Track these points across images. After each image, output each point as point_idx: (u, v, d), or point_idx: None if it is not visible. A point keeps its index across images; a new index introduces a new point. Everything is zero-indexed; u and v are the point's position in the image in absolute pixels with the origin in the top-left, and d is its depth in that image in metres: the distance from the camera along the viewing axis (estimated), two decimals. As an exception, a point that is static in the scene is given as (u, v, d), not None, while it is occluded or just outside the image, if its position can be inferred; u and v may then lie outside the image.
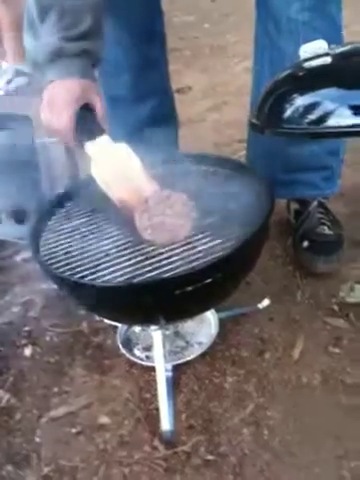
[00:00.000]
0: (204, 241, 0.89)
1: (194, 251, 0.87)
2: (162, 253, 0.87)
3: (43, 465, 0.90)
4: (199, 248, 0.87)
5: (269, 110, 0.73)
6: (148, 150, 1.14)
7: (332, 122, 0.65)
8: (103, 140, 0.95)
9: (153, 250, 0.89)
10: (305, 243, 1.22)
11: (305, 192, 1.31)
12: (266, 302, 1.11)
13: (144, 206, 0.91)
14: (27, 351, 1.11)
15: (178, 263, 0.85)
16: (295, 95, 0.69)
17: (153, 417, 0.94)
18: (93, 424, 0.95)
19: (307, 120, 0.67)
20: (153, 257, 0.87)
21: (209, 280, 0.84)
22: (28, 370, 1.07)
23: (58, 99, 0.93)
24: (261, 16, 1.19)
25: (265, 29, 1.18)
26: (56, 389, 1.03)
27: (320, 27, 1.11)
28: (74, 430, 0.95)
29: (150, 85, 1.40)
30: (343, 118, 0.65)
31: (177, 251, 0.87)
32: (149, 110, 1.40)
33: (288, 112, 0.69)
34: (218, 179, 1.02)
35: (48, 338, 1.14)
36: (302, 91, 0.69)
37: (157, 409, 0.93)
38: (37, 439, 0.94)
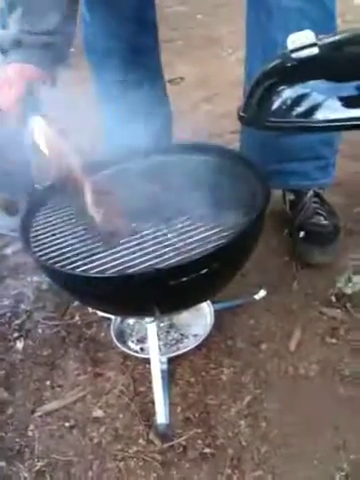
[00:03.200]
0: (199, 231, 0.87)
1: (189, 241, 0.85)
2: (157, 243, 0.86)
3: (36, 460, 0.88)
4: (194, 238, 0.86)
5: (257, 103, 0.72)
6: (142, 139, 1.12)
7: (321, 115, 0.64)
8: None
9: (147, 240, 0.87)
10: (301, 234, 1.21)
11: (299, 182, 1.30)
12: (262, 293, 1.10)
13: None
14: (19, 344, 1.10)
15: (173, 253, 0.83)
16: (282, 87, 0.68)
17: (148, 410, 0.93)
18: (87, 418, 0.94)
19: (295, 113, 0.65)
20: (147, 247, 0.85)
21: (205, 271, 0.82)
22: (20, 364, 1.06)
23: (10, 78, 0.98)
24: (252, 4, 1.17)
25: (257, 18, 1.16)
26: (49, 383, 1.01)
27: (313, 15, 1.09)
28: (68, 424, 0.93)
29: (142, 74, 1.37)
30: (332, 111, 0.63)
31: (172, 241, 0.86)
32: (142, 100, 1.38)
33: (276, 105, 0.67)
34: (213, 169, 1.01)
35: (40, 331, 1.12)
36: (289, 83, 0.68)
37: (152, 402, 0.92)
38: (30, 434, 0.93)
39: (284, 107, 0.66)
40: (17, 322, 1.15)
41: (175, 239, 0.86)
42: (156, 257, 0.83)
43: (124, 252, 0.85)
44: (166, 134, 1.47)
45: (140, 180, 1.01)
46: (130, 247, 0.86)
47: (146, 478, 0.84)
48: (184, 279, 0.81)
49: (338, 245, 1.19)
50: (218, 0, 3.07)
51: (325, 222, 1.22)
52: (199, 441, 0.88)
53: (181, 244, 0.85)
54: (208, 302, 1.07)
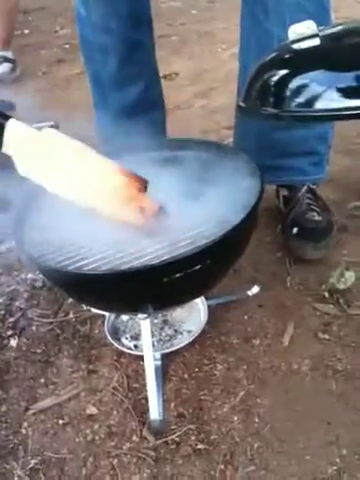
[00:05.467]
0: (191, 227, 0.87)
1: (182, 237, 0.85)
2: (149, 239, 0.85)
3: (30, 457, 0.88)
4: (187, 234, 0.86)
5: (257, 93, 0.71)
6: (136, 135, 1.12)
7: (321, 105, 0.64)
8: (14, 124, 0.79)
9: (140, 236, 0.87)
10: (294, 229, 1.21)
11: (293, 177, 1.30)
12: (256, 289, 1.10)
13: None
14: (13, 342, 1.09)
15: (166, 249, 0.83)
16: (283, 77, 0.68)
17: (142, 407, 0.93)
18: (81, 415, 0.94)
19: (296, 103, 0.66)
20: (140, 243, 0.85)
21: (198, 267, 0.82)
22: (14, 361, 1.05)
23: None
24: (248, -1, 1.17)
25: (252, 11, 1.16)
26: (43, 380, 1.01)
27: (308, 8, 1.09)
28: (61, 421, 0.93)
29: (137, 70, 1.37)
30: (332, 101, 0.63)
31: (164, 237, 0.85)
32: (136, 95, 1.38)
33: (276, 95, 0.67)
34: (206, 164, 1.01)
35: (34, 328, 1.12)
36: (290, 73, 0.68)
37: (146, 398, 0.92)
38: (24, 431, 0.93)
39: (285, 97, 0.66)
40: (11, 320, 1.14)
41: (167, 235, 0.86)
42: (149, 253, 0.83)
43: (117, 248, 0.85)
44: (160, 129, 1.46)
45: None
46: (123, 243, 0.86)
47: (139, 474, 0.84)
48: (177, 275, 0.81)
49: (331, 241, 1.19)
50: (213, -5, 3.07)
51: (318, 218, 1.22)
52: (192, 437, 0.88)
53: (173, 240, 0.85)
54: (202, 298, 1.06)
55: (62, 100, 2.03)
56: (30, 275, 1.24)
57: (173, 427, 0.90)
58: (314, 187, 1.30)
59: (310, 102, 0.64)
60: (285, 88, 0.67)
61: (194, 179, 0.93)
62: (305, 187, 1.28)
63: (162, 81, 1.50)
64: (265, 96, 0.69)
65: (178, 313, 1.08)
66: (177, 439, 0.88)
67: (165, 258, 0.81)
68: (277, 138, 1.22)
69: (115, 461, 0.86)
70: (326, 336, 1.02)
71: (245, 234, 0.91)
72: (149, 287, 0.83)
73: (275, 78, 0.69)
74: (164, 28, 2.65)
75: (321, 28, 0.69)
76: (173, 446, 0.87)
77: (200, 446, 0.86)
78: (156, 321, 1.05)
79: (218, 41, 2.55)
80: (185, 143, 1.06)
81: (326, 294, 1.10)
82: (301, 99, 0.65)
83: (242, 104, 0.74)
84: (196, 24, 2.84)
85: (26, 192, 1.03)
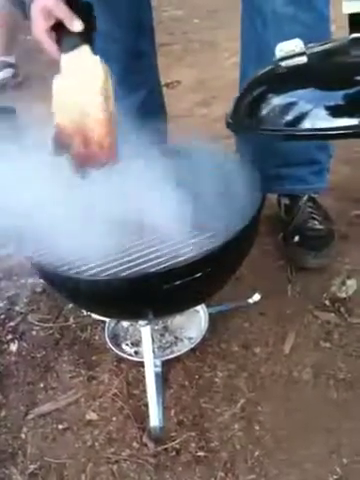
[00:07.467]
0: (193, 235, 0.87)
1: (183, 244, 0.85)
2: (150, 246, 0.86)
3: (29, 462, 0.88)
4: (188, 242, 0.86)
5: (245, 110, 0.72)
6: (137, 143, 1.12)
7: (308, 124, 0.64)
8: (80, 51, 0.94)
9: (141, 243, 0.87)
10: (296, 238, 1.21)
11: (294, 187, 1.30)
12: (257, 297, 1.10)
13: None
14: (13, 346, 1.09)
15: (167, 257, 0.83)
16: (270, 96, 0.68)
17: (142, 413, 0.93)
18: (80, 420, 0.94)
19: (283, 121, 0.66)
20: (141, 250, 0.86)
21: (198, 274, 0.82)
22: (14, 366, 1.05)
23: (32, 10, 0.92)
24: (247, 10, 1.18)
25: (251, 23, 1.17)
26: (42, 385, 1.01)
27: (307, 20, 1.09)
28: (61, 426, 0.93)
29: (139, 78, 1.38)
30: (319, 120, 0.63)
31: (166, 244, 0.86)
32: (138, 103, 1.38)
33: (263, 113, 0.67)
34: (207, 172, 1.01)
35: (34, 333, 1.12)
36: (277, 92, 0.68)
37: (146, 405, 0.92)
38: (23, 436, 0.92)
39: (272, 115, 0.66)
40: (11, 324, 1.14)
41: (169, 242, 0.86)
42: (150, 260, 0.83)
43: (119, 255, 0.85)
44: (161, 138, 1.47)
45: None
46: (125, 250, 0.86)
47: (139, 481, 0.84)
48: (178, 283, 0.81)
49: (332, 249, 1.19)
50: (214, 5, 3.08)
51: (320, 226, 1.22)
52: (192, 444, 0.88)
53: (175, 247, 0.85)
54: (202, 305, 1.07)
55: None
56: (30, 280, 1.24)
57: (173, 434, 0.89)
58: (315, 196, 1.30)
59: (297, 121, 0.64)
60: (272, 106, 0.67)
61: (195, 187, 0.94)
62: (306, 196, 1.28)
63: (164, 89, 1.51)
64: (252, 114, 0.69)
65: (179, 320, 1.08)
66: (177, 446, 0.87)
67: (166, 265, 0.81)
68: (278, 148, 1.23)
69: (115, 467, 0.86)
70: (327, 344, 1.02)
71: (246, 242, 0.91)
72: (150, 294, 0.83)
73: (262, 96, 0.69)
74: (166, 37, 2.67)
75: (309, 46, 0.69)
76: (173, 453, 0.87)
77: (200, 453, 0.86)
78: (156, 328, 1.05)
79: (220, 50, 2.57)
80: (186, 151, 1.06)
81: (327, 302, 1.10)
82: (288, 118, 0.65)
83: (230, 121, 0.74)
84: (198, 33, 2.86)
85: (27, 196, 1.03)
